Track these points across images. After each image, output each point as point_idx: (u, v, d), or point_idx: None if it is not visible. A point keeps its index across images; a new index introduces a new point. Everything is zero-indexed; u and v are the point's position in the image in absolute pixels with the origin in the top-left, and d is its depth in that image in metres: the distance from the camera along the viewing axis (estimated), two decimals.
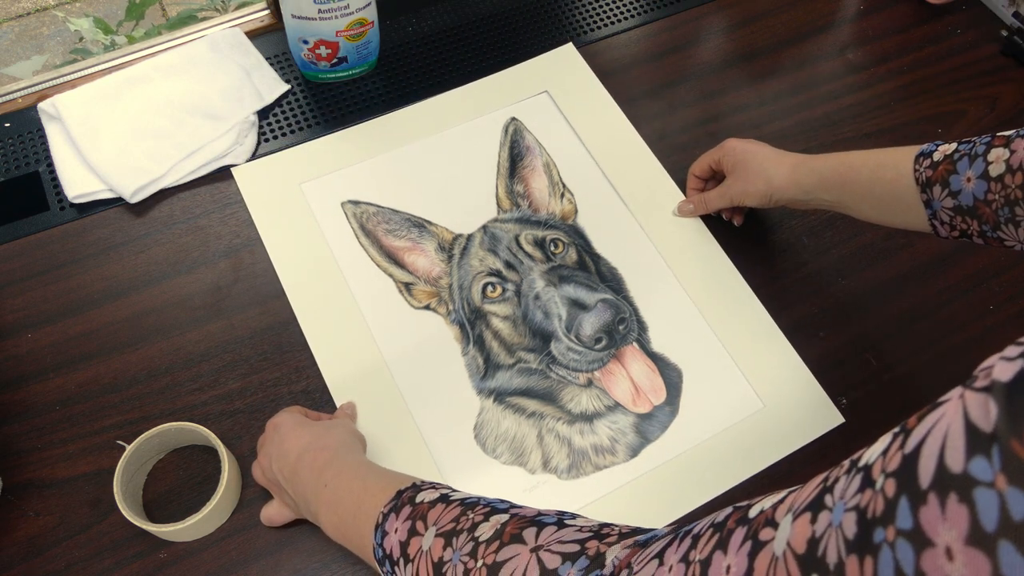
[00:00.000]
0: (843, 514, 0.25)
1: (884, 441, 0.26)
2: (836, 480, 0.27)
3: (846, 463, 0.28)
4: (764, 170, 0.69)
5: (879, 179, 0.63)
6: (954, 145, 0.60)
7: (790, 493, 0.30)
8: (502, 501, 0.45)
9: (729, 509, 0.33)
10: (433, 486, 0.48)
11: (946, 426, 0.23)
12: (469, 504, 0.45)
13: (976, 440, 0.21)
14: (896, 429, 0.26)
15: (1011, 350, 0.23)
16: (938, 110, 0.88)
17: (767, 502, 0.31)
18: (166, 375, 0.67)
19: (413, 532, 0.45)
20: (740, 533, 0.31)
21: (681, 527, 0.36)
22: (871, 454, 0.26)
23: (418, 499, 0.46)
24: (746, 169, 0.71)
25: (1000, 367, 0.22)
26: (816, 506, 0.27)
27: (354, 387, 0.67)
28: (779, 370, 0.70)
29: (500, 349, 0.69)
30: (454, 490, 0.48)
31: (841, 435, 0.68)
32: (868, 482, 0.25)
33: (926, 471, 0.22)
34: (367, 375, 0.67)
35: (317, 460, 0.55)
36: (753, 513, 0.31)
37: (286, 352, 0.69)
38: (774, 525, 0.29)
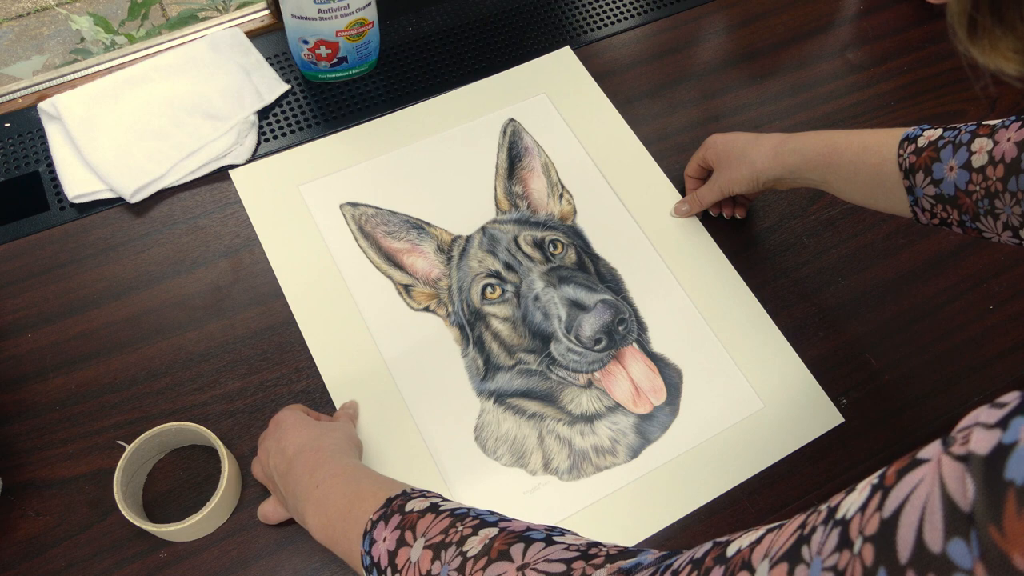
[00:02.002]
0: (820, 573, 0.25)
1: (862, 493, 0.25)
2: (814, 530, 0.27)
3: (823, 510, 0.27)
4: (746, 155, 0.70)
5: (864, 163, 0.63)
6: (939, 131, 0.59)
7: (769, 531, 0.30)
8: (492, 513, 0.45)
9: (709, 544, 0.33)
10: (423, 494, 0.48)
11: (924, 495, 0.22)
12: (459, 515, 0.44)
13: (954, 519, 0.21)
14: (875, 480, 0.25)
15: (989, 414, 0.22)
16: (938, 110, 0.88)
17: (745, 540, 0.31)
18: (166, 375, 0.67)
19: (402, 542, 0.44)
20: (717, 573, 0.30)
21: (664, 559, 0.35)
22: (849, 506, 0.26)
23: (408, 508, 0.46)
24: (729, 158, 0.72)
25: (978, 436, 0.22)
26: (793, 557, 0.27)
27: (354, 389, 0.67)
28: (779, 370, 0.70)
29: (500, 350, 0.69)
30: (444, 499, 0.47)
31: (841, 435, 0.68)
32: (846, 541, 0.25)
33: (904, 544, 0.22)
34: (367, 377, 0.67)
35: (311, 460, 0.54)
36: (731, 552, 0.31)
37: (286, 352, 0.69)
38: (750, 569, 0.29)
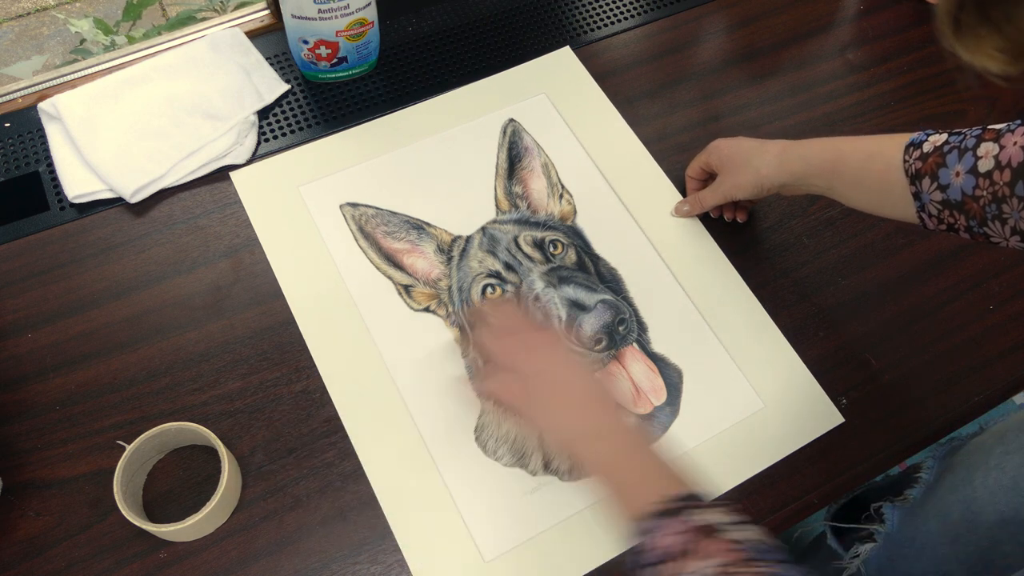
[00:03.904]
0: None
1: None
2: None
3: None
4: (749, 161, 0.70)
5: (869, 170, 0.63)
6: (944, 136, 0.59)
7: None
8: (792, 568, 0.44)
9: None
10: (716, 507, 0.48)
11: None
12: (751, 558, 0.44)
13: None
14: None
15: None
16: (938, 110, 0.88)
17: None
18: (166, 375, 0.67)
19: (681, 549, 0.44)
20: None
21: None
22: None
23: (699, 517, 0.46)
24: (733, 164, 0.72)
25: None
26: None
27: (354, 390, 0.67)
28: (779, 370, 0.70)
29: None
30: (736, 521, 0.47)
31: (841, 435, 0.68)
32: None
33: None
34: (367, 378, 0.67)
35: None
36: None
37: (286, 352, 0.69)
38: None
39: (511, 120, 0.83)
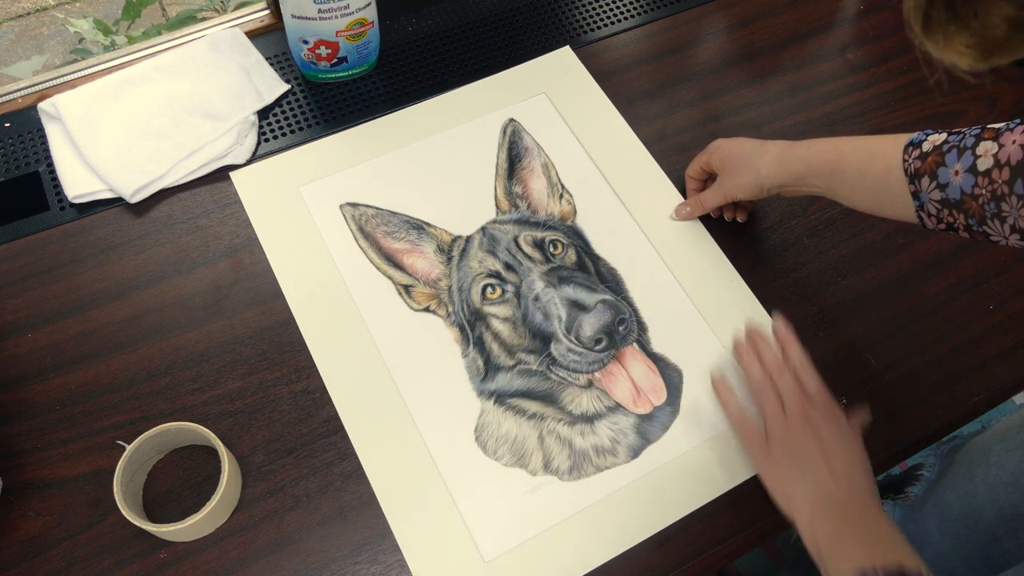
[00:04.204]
0: None
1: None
2: None
3: None
4: (750, 162, 0.70)
5: (869, 170, 0.63)
6: (944, 135, 0.59)
7: None
8: None
9: None
10: None
11: None
12: None
13: None
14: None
15: None
16: (938, 110, 0.88)
17: None
18: (166, 375, 0.67)
19: None
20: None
21: None
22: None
23: None
24: (734, 164, 0.72)
25: None
26: None
27: (354, 390, 0.67)
28: None
29: (500, 351, 0.69)
30: None
31: None
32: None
33: None
34: (367, 378, 0.67)
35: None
36: None
37: (286, 352, 0.69)
38: None
39: (511, 120, 0.83)
